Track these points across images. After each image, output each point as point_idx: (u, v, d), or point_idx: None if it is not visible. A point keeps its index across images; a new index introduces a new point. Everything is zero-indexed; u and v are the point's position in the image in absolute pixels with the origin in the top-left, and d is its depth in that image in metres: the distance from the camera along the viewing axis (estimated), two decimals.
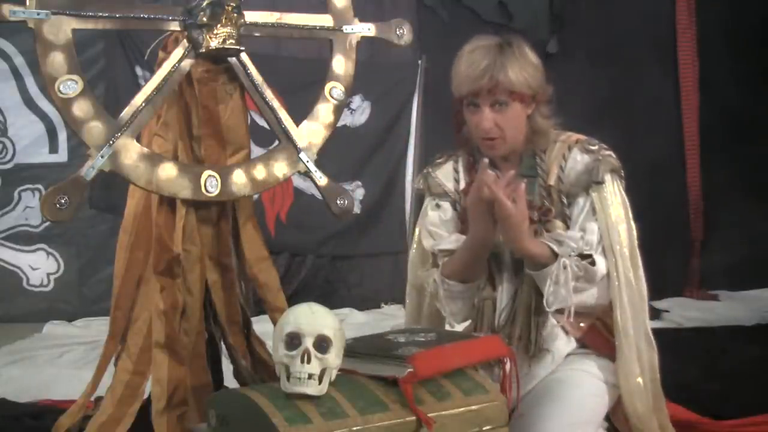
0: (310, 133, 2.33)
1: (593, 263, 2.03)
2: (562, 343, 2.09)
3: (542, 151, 2.13)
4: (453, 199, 2.22)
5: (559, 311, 2.02)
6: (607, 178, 2.07)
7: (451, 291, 2.12)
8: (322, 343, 1.64)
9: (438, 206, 2.23)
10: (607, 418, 2.11)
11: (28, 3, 1.96)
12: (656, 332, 2.11)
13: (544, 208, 2.08)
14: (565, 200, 2.10)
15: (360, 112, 5.36)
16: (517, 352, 1.98)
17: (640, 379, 2.06)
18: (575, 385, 2.01)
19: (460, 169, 2.23)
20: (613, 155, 2.11)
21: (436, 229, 2.21)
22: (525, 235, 1.99)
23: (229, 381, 2.35)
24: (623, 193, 2.11)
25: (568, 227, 2.08)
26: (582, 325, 2.09)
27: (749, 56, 5.25)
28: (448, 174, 2.24)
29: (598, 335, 2.12)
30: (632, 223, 2.10)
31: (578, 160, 2.09)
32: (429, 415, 1.65)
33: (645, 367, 2.07)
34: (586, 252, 2.03)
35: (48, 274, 5.31)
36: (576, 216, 2.08)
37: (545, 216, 2.08)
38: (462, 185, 2.20)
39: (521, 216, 1.97)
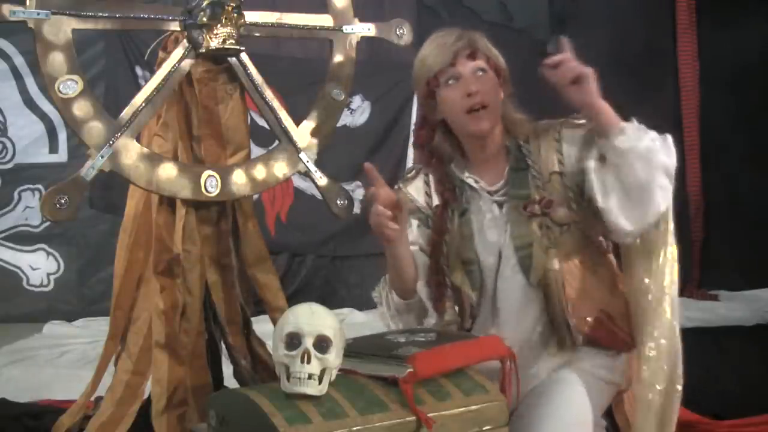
0: (310, 133, 2.33)
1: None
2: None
3: (525, 141, 2.09)
4: (425, 215, 2.17)
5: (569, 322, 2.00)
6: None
7: (396, 306, 2.11)
8: (322, 343, 1.64)
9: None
10: (606, 416, 2.11)
11: (28, 3, 1.96)
12: None
13: (544, 200, 2.02)
14: (569, 183, 2.04)
15: (360, 112, 5.36)
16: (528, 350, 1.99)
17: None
18: (574, 385, 2.01)
19: (432, 184, 2.18)
20: None
21: None
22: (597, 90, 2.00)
23: (229, 381, 2.35)
24: None
25: (573, 212, 2.02)
26: (588, 319, 2.06)
27: (749, 55, 5.24)
28: (419, 189, 2.20)
29: (602, 327, 2.08)
30: None
31: (573, 137, 2.06)
32: (429, 415, 1.65)
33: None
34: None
35: (48, 274, 5.31)
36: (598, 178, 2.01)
37: (547, 207, 2.02)
38: (434, 200, 2.16)
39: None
